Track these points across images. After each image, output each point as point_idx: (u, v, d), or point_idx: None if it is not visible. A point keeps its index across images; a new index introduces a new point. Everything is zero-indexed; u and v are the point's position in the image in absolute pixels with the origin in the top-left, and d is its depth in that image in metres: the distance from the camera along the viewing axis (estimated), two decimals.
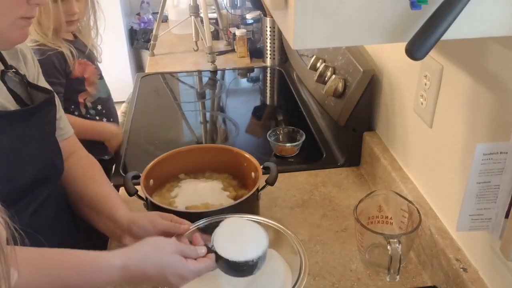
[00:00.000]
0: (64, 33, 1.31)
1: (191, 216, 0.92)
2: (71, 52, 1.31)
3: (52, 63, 1.27)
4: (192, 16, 2.09)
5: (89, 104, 1.40)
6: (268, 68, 2.02)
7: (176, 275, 0.71)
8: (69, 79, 1.32)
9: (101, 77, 1.45)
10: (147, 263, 0.70)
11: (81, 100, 1.38)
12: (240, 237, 0.80)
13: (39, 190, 0.81)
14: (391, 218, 0.95)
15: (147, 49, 2.43)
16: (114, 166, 1.35)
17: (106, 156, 1.46)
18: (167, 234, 0.81)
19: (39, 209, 0.82)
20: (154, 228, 0.84)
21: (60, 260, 0.68)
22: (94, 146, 1.42)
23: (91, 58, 1.42)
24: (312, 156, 1.32)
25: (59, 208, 0.91)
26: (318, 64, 1.33)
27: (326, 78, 1.27)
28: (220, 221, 0.86)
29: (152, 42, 2.17)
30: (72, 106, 1.36)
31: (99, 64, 1.48)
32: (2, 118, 0.74)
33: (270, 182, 1.03)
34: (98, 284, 0.69)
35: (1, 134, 0.73)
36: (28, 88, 0.84)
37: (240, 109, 1.69)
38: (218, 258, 0.76)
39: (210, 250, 0.77)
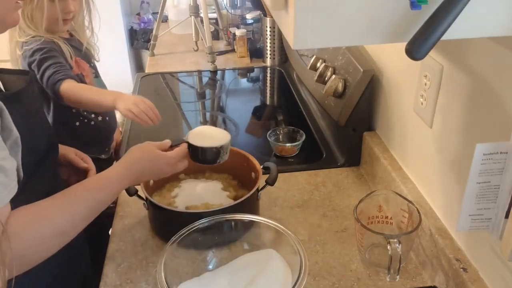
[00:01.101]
0: (60, 31, 1.31)
1: (191, 216, 0.92)
2: (67, 49, 1.31)
3: (50, 45, 1.27)
4: (192, 16, 2.09)
5: None
6: (268, 68, 2.02)
7: (165, 164, 0.90)
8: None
9: (96, 76, 1.45)
10: (142, 162, 0.88)
11: None
12: (207, 135, 1.01)
13: (52, 156, 0.92)
14: (391, 218, 0.95)
15: (147, 49, 2.43)
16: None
17: (103, 155, 1.46)
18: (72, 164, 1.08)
19: (56, 173, 0.94)
20: (64, 159, 1.07)
21: (87, 187, 0.81)
22: (89, 144, 1.41)
23: (87, 57, 1.42)
24: (312, 156, 1.32)
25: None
26: (318, 64, 1.33)
27: (326, 78, 1.27)
28: (220, 221, 0.88)
29: (152, 42, 2.17)
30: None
31: (96, 63, 1.48)
32: (7, 99, 0.78)
33: (270, 182, 1.03)
34: (118, 192, 0.86)
35: (12, 113, 0.76)
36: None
37: (240, 109, 1.69)
38: (190, 147, 0.96)
39: (184, 141, 0.97)
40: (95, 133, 1.44)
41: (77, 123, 1.38)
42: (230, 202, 0.99)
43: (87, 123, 1.40)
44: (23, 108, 0.84)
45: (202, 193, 1.04)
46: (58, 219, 0.75)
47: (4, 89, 0.86)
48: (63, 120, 1.36)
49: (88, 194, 0.80)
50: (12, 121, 0.75)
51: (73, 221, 0.77)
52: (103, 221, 1.14)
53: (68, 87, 1.22)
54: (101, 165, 1.43)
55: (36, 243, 0.72)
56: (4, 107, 0.73)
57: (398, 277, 0.86)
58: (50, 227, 0.73)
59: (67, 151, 1.13)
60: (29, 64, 1.26)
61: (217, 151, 0.97)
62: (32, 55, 1.25)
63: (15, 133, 0.75)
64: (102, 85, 1.47)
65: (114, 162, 1.35)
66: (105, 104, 1.19)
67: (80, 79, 1.34)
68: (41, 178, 0.85)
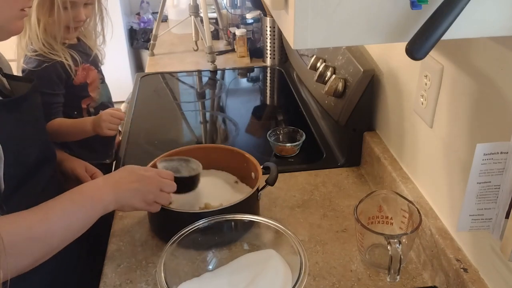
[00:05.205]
0: (69, 39, 1.30)
1: (191, 216, 0.92)
2: (73, 59, 1.29)
3: (48, 74, 1.24)
4: (192, 16, 2.09)
5: (91, 110, 1.39)
6: (268, 68, 2.02)
7: (153, 193, 0.90)
8: (71, 86, 1.30)
9: (103, 81, 1.44)
10: (133, 199, 0.87)
11: (84, 106, 1.36)
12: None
13: (43, 170, 0.90)
14: (391, 218, 0.95)
15: (147, 49, 2.43)
16: (114, 167, 1.35)
17: (107, 160, 1.46)
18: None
19: (46, 188, 0.91)
20: (72, 173, 1.11)
21: (76, 201, 0.81)
22: (95, 150, 1.41)
23: (95, 62, 1.40)
24: (312, 156, 1.32)
25: (60, 190, 0.99)
26: (318, 64, 1.33)
27: (326, 78, 1.26)
28: (220, 221, 0.89)
29: (152, 42, 2.17)
30: (75, 112, 1.34)
31: (101, 67, 1.48)
32: (4, 106, 0.78)
33: (270, 182, 1.03)
34: (98, 216, 0.83)
35: (5, 121, 0.76)
36: (6, 80, 0.88)
37: (240, 109, 1.69)
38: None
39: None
40: (102, 140, 1.43)
41: None
42: (230, 202, 0.99)
43: None
44: (20, 116, 0.83)
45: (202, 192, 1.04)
46: (44, 229, 0.73)
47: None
48: None
49: (76, 208, 0.80)
50: None
51: (60, 231, 0.76)
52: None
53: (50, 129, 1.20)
54: (104, 171, 1.44)
55: (12, 249, 0.69)
56: None
57: (398, 277, 0.85)
58: (27, 234, 0.71)
59: (76, 166, 1.13)
60: None
61: (190, 180, 1.00)
62: (29, 75, 1.22)
63: None
64: (107, 91, 1.46)
65: (113, 165, 1.35)
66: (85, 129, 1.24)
67: (82, 89, 1.33)
68: (28, 193, 0.83)
